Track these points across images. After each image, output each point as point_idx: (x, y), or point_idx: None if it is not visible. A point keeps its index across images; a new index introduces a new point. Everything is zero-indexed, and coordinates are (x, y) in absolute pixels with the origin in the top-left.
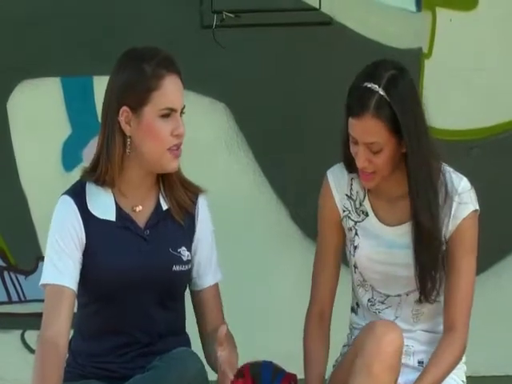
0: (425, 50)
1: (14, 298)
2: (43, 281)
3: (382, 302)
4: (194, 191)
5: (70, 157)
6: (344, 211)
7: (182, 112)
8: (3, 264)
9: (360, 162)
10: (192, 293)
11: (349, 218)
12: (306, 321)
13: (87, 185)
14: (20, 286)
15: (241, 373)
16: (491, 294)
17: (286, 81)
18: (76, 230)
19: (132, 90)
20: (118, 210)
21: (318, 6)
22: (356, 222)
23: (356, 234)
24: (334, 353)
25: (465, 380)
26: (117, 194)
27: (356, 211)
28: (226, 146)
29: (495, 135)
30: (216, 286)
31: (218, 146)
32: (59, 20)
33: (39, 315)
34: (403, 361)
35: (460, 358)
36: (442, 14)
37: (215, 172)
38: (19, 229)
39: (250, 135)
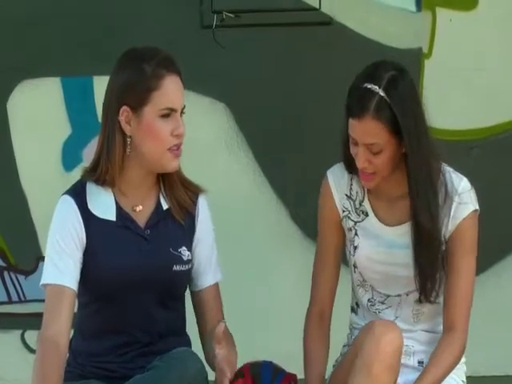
0: (425, 50)
1: (14, 298)
2: (44, 281)
3: (382, 302)
4: (194, 191)
5: (70, 157)
6: (344, 211)
7: (182, 112)
8: (3, 264)
9: (360, 163)
10: (192, 293)
11: (349, 218)
12: (306, 321)
13: (87, 184)
14: (20, 286)
15: (241, 373)
16: (491, 294)
17: (286, 81)
18: (76, 230)
19: (132, 90)
20: (119, 209)
21: (318, 6)
22: (356, 222)
23: (356, 234)
24: (334, 353)
25: (465, 380)
26: (117, 194)
27: (356, 211)
28: (226, 146)
29: (495, 135)
30: (216, 285)
31: (217, 146)
32: (59, 20)
33: (39, 315)
34: (403, 361)
35: (460, 358)
36: (442, 13)
37: (215, 172)
38: (19, 229)
39: (250, 135)
